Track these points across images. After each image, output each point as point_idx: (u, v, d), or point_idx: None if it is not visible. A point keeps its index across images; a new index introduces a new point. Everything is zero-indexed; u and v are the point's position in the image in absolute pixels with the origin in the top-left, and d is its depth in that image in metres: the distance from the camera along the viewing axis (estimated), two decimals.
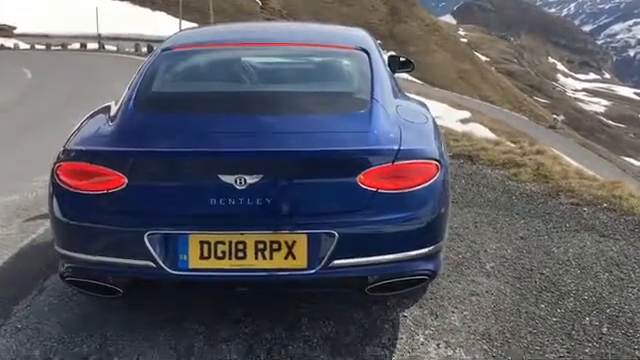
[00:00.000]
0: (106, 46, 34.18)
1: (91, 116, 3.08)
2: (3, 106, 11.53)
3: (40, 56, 28.85)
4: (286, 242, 2.44)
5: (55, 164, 2.63)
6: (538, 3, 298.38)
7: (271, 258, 2.45)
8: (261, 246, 2.45)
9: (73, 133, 2.84)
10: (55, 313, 3.00)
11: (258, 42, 3.52)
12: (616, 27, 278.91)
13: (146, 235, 2.43)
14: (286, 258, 2.45)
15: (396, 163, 2.48)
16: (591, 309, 3.03)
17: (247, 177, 2.40)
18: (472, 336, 2.81)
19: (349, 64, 3.23)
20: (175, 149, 2.49)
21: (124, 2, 79.75)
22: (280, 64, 3.33)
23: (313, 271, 2.44)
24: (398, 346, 2.72)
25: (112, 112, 2.91)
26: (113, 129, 2.69)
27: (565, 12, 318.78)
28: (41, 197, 5.00)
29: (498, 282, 3.31)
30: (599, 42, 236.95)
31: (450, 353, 2.68)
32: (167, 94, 3.06)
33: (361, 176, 2.44)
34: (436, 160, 2.58)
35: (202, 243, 2.45)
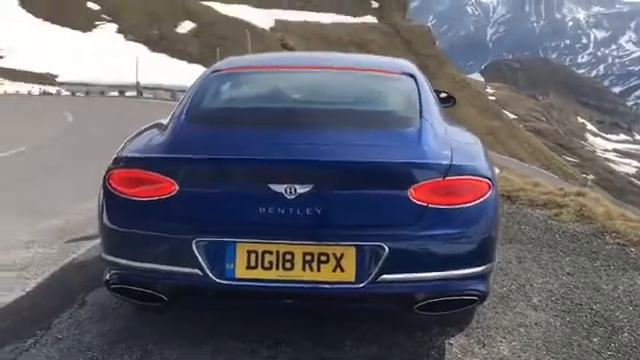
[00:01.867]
0: (143, 94, 35.16)
1: (142, 131, 3.14)
2: (45, 143, 11.87)
3: (80, 101, 29.77)
4: (334, 254, 2.40)
5: (107, 172, 2.66)
6: (567, 63, 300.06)
7: (319, 270, 2.41)
8: (309, 257, 2.41)
9: (125, 144, 2.88)
10: (96, 325, 2.98)
11: (306, 65, 3.58)
12: None
13: (194, 242, 2.42)
14: (334, 271, 2.40)
15: (447, 178, 2.45)
16: None
17: (297, 187, 2.39)
18: None
19: (397, 86, 3.25)
20: (227, 156, 2.51)
21: (162, 54, 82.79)
22: (328, 85, 3.37)
23: (361, 285, 2.39)
24: None
25: (162, 126, 2.97)
26: (165, 139, 2.73)
27: (594, 73, 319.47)
28: (82, 221, 5.08)
29: (547, 315, 3.20)
30: (629, 103, 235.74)
31: None
32: (217, 109, 3.11)
33: (412, 190, 2.42)
34: (488, 178, 2.54)
35: (249, 252, 2.43)
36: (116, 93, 37.12)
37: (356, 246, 2.40)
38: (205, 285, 2.44)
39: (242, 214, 2.45)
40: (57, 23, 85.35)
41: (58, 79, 56.06)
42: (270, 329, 2.89)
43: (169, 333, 2.88)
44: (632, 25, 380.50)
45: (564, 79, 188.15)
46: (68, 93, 40.12)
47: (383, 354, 2.73)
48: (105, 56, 69.87)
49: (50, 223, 5.07)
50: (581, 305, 3.32)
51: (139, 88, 35.26)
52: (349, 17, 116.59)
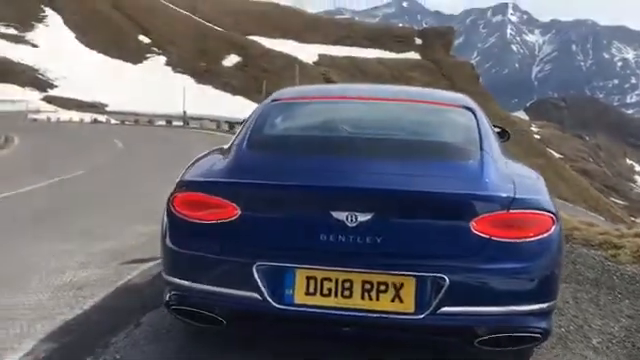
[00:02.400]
0: (190, 123, 36.05)
1: (202, 156, 3.22)
2: (98, 167, 12.23)
3: (129, 130, 30.73)
4: (394, 284, 2.39)
5: (171, 195, 2.73)
6: (615, 103, 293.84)
7: (377, 299, 2.40)
8: (368, 286, 2.41)
9: (187, 168, 2.96)
10: (151, 346, 3.02)
11: (362, 96, 3.63)
12: None
13: (255, 266, 2.45)
14: (393, 301, 2.39)
15: (511, 211, 2.43)
16: None
17: (359, 214, 2.41)
18: None
19: (456, 119, 3.26)
20: (290, 183, 2.55)
21: (207, 86, 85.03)
22: (386, 115, 3.40)
23: (421, 316, 2.36)
24: None
25: (224, 152, 3.04)
26: (227, 164, 2.80)
27: None
28: (136, 244, 5.19)
29: (607, 358, 3.08)
30: None
31: None
32: (278, 137, 3.17)
33: (474, 222, 2.40)
34: (552, 213, 2.51)
35: (309, 278, 2.44)
36: (163, 122, 38.18)
37: (416, 276, 2.38)
38: (264, 309, 2.46)
39: (303, 240, 2.48)
40: (110, 55, 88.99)
41: (108, 108, 58.19)
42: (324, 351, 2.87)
43: (223, 353, 2.89)
44: None
45: (612, 119, 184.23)
46: (118, 122, 41.50)
47: None
48: (153, 87, 72.28)
49: (104, 245, 5.20)
50: None
51: (186, 118, 36.14)
52: (392, 53, 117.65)
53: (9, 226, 6.12)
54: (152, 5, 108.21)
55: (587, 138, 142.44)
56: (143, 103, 51.76)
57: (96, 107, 59.07)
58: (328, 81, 76.74)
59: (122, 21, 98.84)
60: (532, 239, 2.43)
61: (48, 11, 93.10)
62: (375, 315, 2.39)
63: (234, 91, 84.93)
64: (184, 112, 36.85)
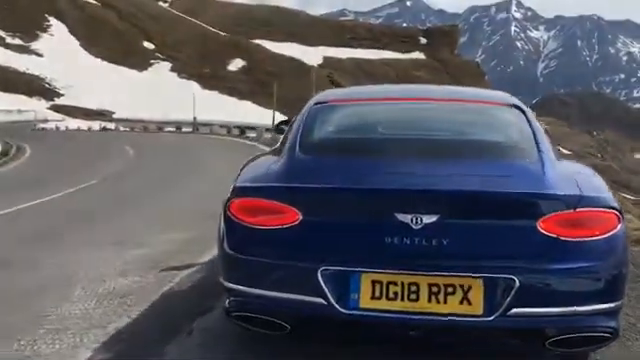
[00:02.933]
0: (199, 129, 36.11)
1: (251, 161, 3.21)
2: (112, 174, 12.26)
3: (139, 136, 30.81)
4: (461, 286, 2.37)
5: (228, 201, 2.72)
6: (622, 98, 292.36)
7: (445, 302, 2.38)
8: (435, 289, 2.39)
9: (240, 174, 2.95)
10: (208, 352, 3.01)
11: (407, 97, 3.61)
12: None
13: (319, 271, 2.44)
14: (461, 303, 2.37)
15: (578, 210, 2.40)
16: None
17: (424, 216, 2.39)
18: None
19: (506, 117, 3.23)
20: (352, 186, 2.53)
21: (213, 91, 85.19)
22: (436, 115, 3.38)
23: (490, 319, 2.34)
24: None
25: (275, 156, 3.02)
26: (284, 168, 2.78)
27: None
28: (170, 251, 5.19)
29: None
30: None
31: None
32: (330, 139, 3.15)
33: (541, 221, 2.38)
34: (617, 210, 2.48)
35: (374, 282, 2.42)
36: (173, 128, 38.29)
37: (484, 278, 2.36)
38: (329, 314, 2.44)
39: (367, 244, 2.46)
40: (114, 62, 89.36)
41: (115, 115, 58.42)
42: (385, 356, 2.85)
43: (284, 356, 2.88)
44: None
45: (619, 114, 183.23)
46: (127, 129, 41.63)
47: None
48: (160, 93, 72.50)
49: (137, 252, 5.20)
50: None
51: (196, 124, 36.22)
52: (397, 53, 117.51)
53: (40, 234, 6.14)
54: (156, 11, 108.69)
55: (595, 133, 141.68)
56: (150, 110, 51.90)
57: (103, 115, 59.31)
58: (333, 83, 76.80)
59: (126, 28, 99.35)
60: (599, 237, 2.41)
61: (52, 20, 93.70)
62: (443, 318, 2.37)
63: (240, 95, 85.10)
64: (194, 118, 36.93)
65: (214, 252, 4.99)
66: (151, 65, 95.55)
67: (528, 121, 3.10)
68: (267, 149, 15.39)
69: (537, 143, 2.86)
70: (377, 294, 2.41)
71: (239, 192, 2.72)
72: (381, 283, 2.41)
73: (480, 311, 2.35)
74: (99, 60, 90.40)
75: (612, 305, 2.43)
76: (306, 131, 3.10)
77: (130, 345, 3.15)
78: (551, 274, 2.36)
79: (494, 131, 3.18)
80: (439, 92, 3.89)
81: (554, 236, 2.37)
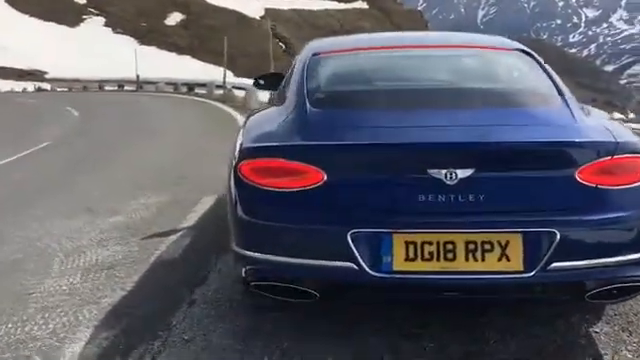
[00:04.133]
0: (143, 87, 34.72)
1: (251, 117, 2.98)
2: (61, 137, 11.63)
3: (79, 96, 29.33)
4: (499, 242, 2.26)
5: (238, 162, 2.50)
6: (559, 44, 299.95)
7: (483, 260, 2.26)
8: (472, 247, 2.27)
9: (247, 133, 2.72)
10: (218, 324, 2.84)
11: (409, 45, 3.42)
12: (638, 67, 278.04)
13: (349, 234, 2.27)
14: (499, 260, 2.26)
15: (615, 157, 2.31)
16: None
17: (458, 171, 2.25)
18: None
19: (519, 63, 3.11)
20: (380, 141, 2.36)
21: (151, 47, 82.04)
22: (445, 63, 3.21)
23: (531, 274, 2.25)
24: None
25: (279, 112, 2.80)
26: (298, 125, 2.57)
27: (586, 53, 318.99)
28: (146, 217, 4.92)
29: None
30: (622, 82, 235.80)
31: None
32: (341, 92, 2.95)
33: (580, 171, 2.28)
34: None
35: (408, 243, 2.28)
36: (114, 87, 36.73)
37: (523, 233, 2.26)
38: (360, 279, 2.30)
39: (399, 203, 2.31)
40: (43, 18, 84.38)
41: (48, 75, 55.53)
42: (405, 324, 2.75)
43: (299, 328, 2.75)
44: (622, 3, 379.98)
45: (556, 59, 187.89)
46: (64, 89, 39.73)
47: (534, 345, 2.60)
48: (95, 50, 69.30)
49: (112, 220, 4.90)
50: None
51: (139, 82, 34.82)
52: (340, 4, 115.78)
53: None
54: None
55: None
56: (87, 68, 49.57)
57: (34, 75, 56.33)
58: (276, 36, 74.99)
59: None
60: (635, 185, 2.33)
61: None
62: (482, 277, 2.26)
63: (180, 51, 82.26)
64: (137, 76, 35.38)
65: (197, 216, 4.84)
66: (83, 21, 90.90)
67: (540, 66, 2.99)
68: (221, 106, 14.98)
69: (557, 88, 2.76)
70: (411, 255, 2.28)
71: (251, 152, 2.50)
72: (415, 244, 2.28)
73: (520, 267, 2.25)
74: (27, 16, 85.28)
75: None
76: (312, 84, 2.88)
77: (131, 320, 2.94)
78: (591, 225, 2.28)
79: (511, 78, 3.06)
80: (441, 39, 3.72)
81: (593, 186, 2.28)
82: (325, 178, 2.32)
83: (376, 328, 2.72)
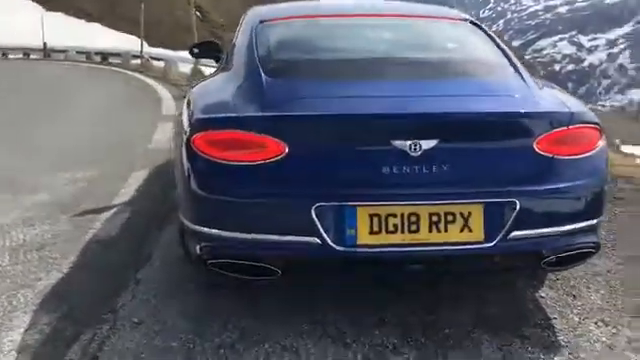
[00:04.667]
0: (51, 55, 32.64)
1: (200, 90, 2.83)
2: None
3: None
4: (461, 213, 2.28)
5: (191, 134, 2.36)
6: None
7: (446, 231, 2.28)
8: (435, 218, 2.27)
9: (196, 104, 2.58)
10: (169, 305, 2.71)
11: (357, 13, 3.35)
12: (542, 42, 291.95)
13: (313, 208, 2.21)
14: (462, 231, 2.28)
15: (570, 127, 2.38)
16: None
17: (422, 142, 2.23)
18: (622, 313, 2.71)
19: (466, 33, 3.13)
20: (346, 112, 2.29)
21: (57, 12, 77.32)
22: (398, 34, 3.16)
23: (492, 244, 2.28)
24: (557, 326, 2.58)
25: (229, 82, 2.68)
26: (254, 95, 2.45)
27: (495, 28, 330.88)
28: (74, 193, 4.64)
29: (612, 262, 3.24)
30: (527, 57, 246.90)
31: (614, 331, 2.56)
32: (296, 61, 2.85)
33: (537, 141, 2.32)
34: (598, 125, 2.49)
35: (372, 216, 2.25)
36: (19, 55, 34.31)
37: (484, 203, 2.28)
38: (324, 255, 2.26)
39: (363, 175, 2.26)
40: None
41: None
42: (363, 298, 2.75)
43: (254, 306, 2.68)
44: None
45: None
46: None
47: (486, 313, 2.66)
48: None
49: (37, 198, 4.56)
50: None
51: (47, 50, 32.72)
52: None
53: None
54: None
55: None
56: None
57: None
58: (193, 6, 72.65)
59: None
60: (589, 154, 2.42)
61: None
62: (445, 248, 2.28)
63: (89, 18, 78.18)
64: (44, 44, 33.15)
65: (132, 192, 4.59)
66: None
67: (490, 37, 3.03)
68: (140, 76, 14.10)
69: (509, 59, 2.81)
70: (375, 228, 2.25)
71: (205, 124, 2.37)
72: (379, 216, 2.25)
73: (481, 237, 2.28)
74: None
75: (597, 220, 2.48)
76: (263, 52, 2.77)
77: (73, 303, 2.74)
78: (548, 194, 2.34)
79: (465, 48, 3.07)
80: (387, 8, 3.67)
81: (550, 156, 2.34)
82: (287, 150, 2.24)
83: (337, 304, 2.69)
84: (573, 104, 2.51)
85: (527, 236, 2.32)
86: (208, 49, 4.20)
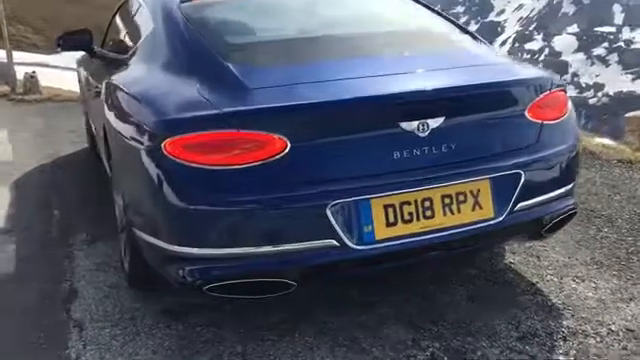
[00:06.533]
0: None
1: (140, 89, 2.33)
2: None
3: None
4: (471, 191, 2.18)
5: (158, 141, 1.94)
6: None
7: (459, 212, 2.16)
8: (447, 200, 2.14)
9: (141, 108, 2.14)
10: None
11: None
12: None
13: (328, 207, 1.94)
14: (473, 209, 2.18)
15: (552, 91, 2.38)
16: None
17: (430, 121, 2.08)
18: (589, 266, 2.82)
19: (405, 7, 3.00)
20: (346, 97, 2.03)
21: None
22: (338, 10, 2.91)
23: (501, 218, 2.22)
24: (544, 289, 2.61)
25: (182, 73, 2.24)
26: (231, 87, 2.08)
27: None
28: None
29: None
30: None
31: (593, 285, 2.65)
32: (252, 44, 2.52)
33: (528, 109, 2.29)
34: (564, 87, 2.52)
35: (386, 207, 2.05)
36: None
37: (491, 178, 2.19)
38: (343, 257, 2.02)
39: (373, 163, 2.04)
40: None
41: None
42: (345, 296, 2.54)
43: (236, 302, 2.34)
44: None
45: None
46: None
47: (471, 289, 2.62)
48: None
49: None
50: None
51: None
52: None
53: None
54: None
55: None
56: None
57: None
58: None
59: None
60: (566, 116, 2.45)
61: None
62: (460, 230, 2.15)
63: None
64: None
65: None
66: None
67: (430, 9, 2.94)
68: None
69: (460, 28, 2.75)
70: (392, 220, 2.06)
71: (175, 126, 1.96)
72: (393, 206, 2.06)
73: (491, 213, 2.20)
74: None
75: (574, 183, 2.52)
76: (211, 37, 2.40)
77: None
78: (544, 161, 2.34)
79: (416, 20, 2.92)
80: None
81: (539, 122, 2.32)
82: (289, 146, 1.92)
83: (317, 295, 2.48)
84: (541, 69, 2.53)
85: (531, 205, 2.28)
86: (79, 39, 3.53)
